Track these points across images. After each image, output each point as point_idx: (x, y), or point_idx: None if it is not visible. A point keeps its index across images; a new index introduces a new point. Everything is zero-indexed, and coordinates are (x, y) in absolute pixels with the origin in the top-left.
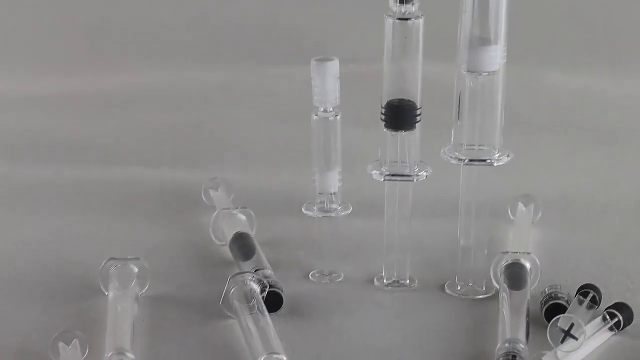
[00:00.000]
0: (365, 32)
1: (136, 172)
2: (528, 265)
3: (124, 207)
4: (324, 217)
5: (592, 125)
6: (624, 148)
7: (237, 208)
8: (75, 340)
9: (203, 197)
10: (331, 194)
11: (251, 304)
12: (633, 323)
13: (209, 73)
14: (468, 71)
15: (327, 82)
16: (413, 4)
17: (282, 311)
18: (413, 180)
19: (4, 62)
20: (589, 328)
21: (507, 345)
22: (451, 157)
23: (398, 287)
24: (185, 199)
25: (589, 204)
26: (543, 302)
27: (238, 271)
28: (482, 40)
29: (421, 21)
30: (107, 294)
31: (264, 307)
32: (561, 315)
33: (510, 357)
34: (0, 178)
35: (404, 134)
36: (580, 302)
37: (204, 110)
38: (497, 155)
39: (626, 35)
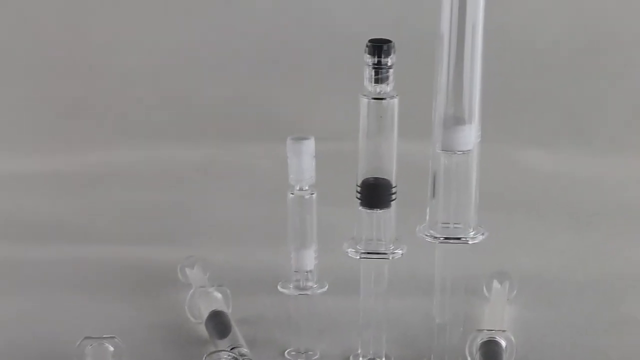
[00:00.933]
0: (341, 110)
1: (111, 251)
2: (503, 343)
3: (99, 285)
4: (300, 294)
5: (566, 204)
6: (596, 227)
7: (213, 286)
8: None
9: (179, 275)
10: (307, 272)
11: None
12: None
13: (185, 151)
14: (442, 150)
15: (303, 160)
16: (388, 84)
17: None
18: (388, 258)
19: None
20: None
21: None
22: (426, 235)
23: None
24: (161, 277)
25: (563, 282)
26: None
27: (214, 349)
28: (456, 120)
29: (396, 100)
30: None
31: None
32: None
33: None
34: None
35: (379, 212)
36: None
37: (180, 188)
38: (472, 233)
39: (599, 115)
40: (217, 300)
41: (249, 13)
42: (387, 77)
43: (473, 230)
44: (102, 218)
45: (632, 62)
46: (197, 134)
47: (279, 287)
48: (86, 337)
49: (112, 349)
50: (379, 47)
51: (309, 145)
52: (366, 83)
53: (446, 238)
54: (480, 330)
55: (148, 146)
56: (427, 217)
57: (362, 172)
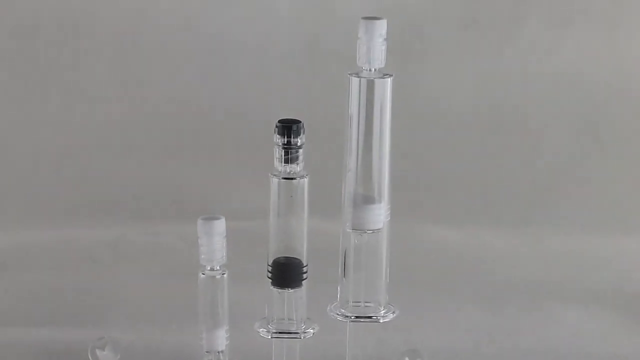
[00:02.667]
0: (251, 189)
1: (19, 333)
2: None
3: None
4: None
5: (475, 280)
6: (505, 303)
7: None
8: None
9: (89, 356)
10: (218, 352)
11: None
12: None
13: (94, 231)
14: (352, 229)
15: (214, 240)
16: (298, 164)
17: None
18: (300, 337)
19: None
20: None
21: None
22: (337, 314)
23: None
24: (71, 358)
25: (472, 356)
26: None
27: None
28: (366, 199)
29: (306, 180)
30: None
31: None
32: None
33: None
34: None
35: (290, 291)
36: None
37: (90, 268)
38: (383, 312)
39: (505, 192)
40: None
41: (161, 93)
42: (297, 157)
43: (384, 308)
44: (9, 300)
45: (538, 140)
46: (107, 214)
47: None
48: None
49: None
50: (288, 128)
51: (220, 225)
52: (276, 163)
53: (357, 317)
54: None
55: (56, 226)
56: (338, 296)
57: (273, 251)
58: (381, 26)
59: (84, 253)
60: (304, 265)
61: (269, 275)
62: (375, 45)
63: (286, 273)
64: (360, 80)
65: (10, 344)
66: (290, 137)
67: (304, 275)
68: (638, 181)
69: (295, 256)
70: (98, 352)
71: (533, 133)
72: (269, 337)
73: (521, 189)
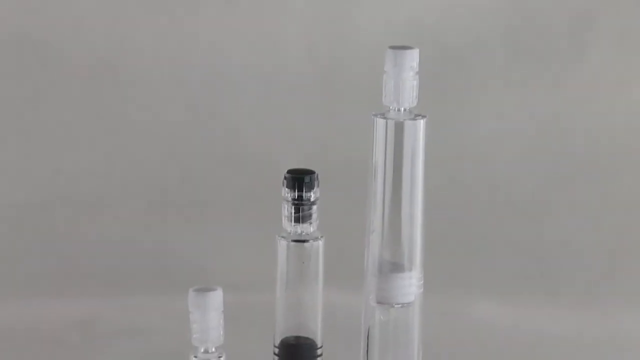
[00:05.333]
0: (255, 254)
1: None
2: None
3: None
4: None
5: None
6: None
7: None
8: None
9: None
10: None
11: None
12: None
13: (61, 307)
14: (378, 302)
15: (209, 316)
16: (311, 223)
17: None
18: None
19: None
20: None
21: None
22: None
23: None
24: None
25: None
26: None
27: None
28: (394, 266)
29: (320, 243)
30: None
31: None
32: None
33: None
34: None
35: None
36: None
37: (55, 351)
38: None
39: (566, 261)
40: None
41: (145, 135)
42: (310, 215)
43: None
44: None
45: (606, 194)
46: (76, 287)
47: None
48: None
49: None
50: (299, 180)
51: (216, 297)
52: (285, 222)
53: None
54: None
55: (15, 302)
56: None
57: (281, 330)
58: (412, 57)
59: (48, 332)
60: (318, 347)
61: (276, 359)
62: (405, 80)
63: (296, 356)
64: (387, 122)
65: None
66: (302, 191)
67: (318, 359)
68: None
69: (307, 336)
70: None
71: (600, 186)
72: None
73: (585, 256)
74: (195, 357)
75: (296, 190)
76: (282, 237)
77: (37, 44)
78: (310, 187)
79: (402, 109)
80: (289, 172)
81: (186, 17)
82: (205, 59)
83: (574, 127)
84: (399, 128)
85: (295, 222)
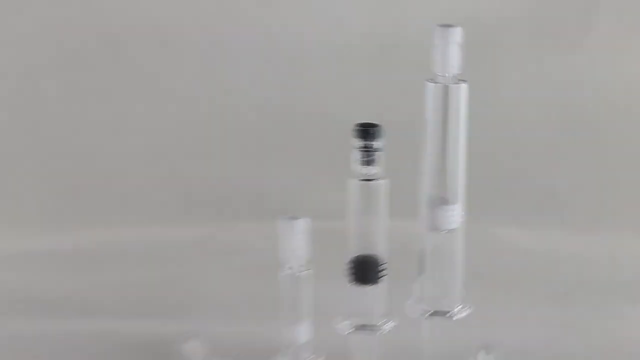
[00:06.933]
0: (331, 190)
1: (115, 325)
2: None
3: (103, 358)
4: None
5: (546, 279)
6: (575, 302)
7: (213, 358)
8: None
9: (178, 348)
10: (300, 346)
11: None
12: None
13: (184, 229)
14: (430, 229)
15: (296, 238)
16: (376, 165)
17: None
18: (378, 332)
19: None
20: None
21: None
22: (414, 310)
23: None
24: (161, 350)
25: (545, 354)
26: None
27: None
28: (442, 200)
29: (383, 182)
30: None
31: None
32: None
33: None
34: None
35: (369, 287)
36: None
37: (179, 265)
38: (458, 308)
39: (576, 195)
40: None
41: (246, 97)
42: (375, 160)
43: (458, 305)
44: (104, 294)
45: (610, 142)
46: (195, 214)
47: None
48: None
49: None
50: (366, 131)
51: (302, 224)
52: (355, 165)
53: (433, 313)
54: None
55: (149, 225)
56: (415, 293)
57: (353, 250)
58: (456, 33)
59: (174, 250)
60: (383, 262)
61: (349, 272)
62: (450, 52)
63: (365, 270)
64: (435, 86)
65: (104, 335)
66: (369, 140)
67: (383, 273)
68: None
69: (374, 254)
70: (186, 344)
71: (606, 136)
72: (348, 332)
73: (593, 192)
74: (286, 270)
75: (364, 139)
76: (353, 177)
77: (161, 21)
78: (375, 137)
79: (448, 75)
80: (358, 124)
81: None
82: (292, 41)
83: (585, 89)
84: (445, 90)
85: (363, 165)
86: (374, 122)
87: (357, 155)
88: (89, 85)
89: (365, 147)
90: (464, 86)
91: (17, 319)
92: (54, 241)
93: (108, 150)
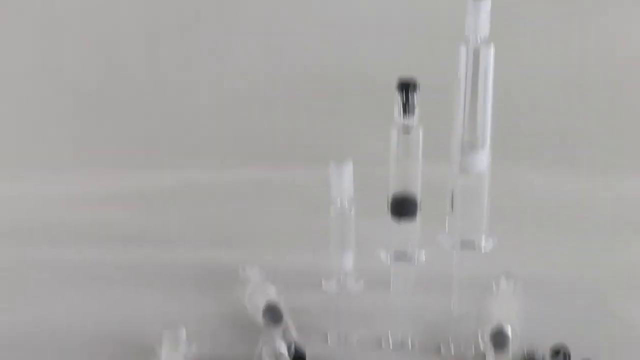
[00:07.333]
0: (376, 138)
1: (186, 255)
2: (510, 331)
3: (175, 283)
4: (340, 290)
5: (562, 218)
6: (589, 238)
7: (268, 282)
8: None
9: (240, 273)
10: (346, 271)
11: None
12: None
13: (246, 172)
14: (460, 171)
15: (343, 180)
16: (414, 116)
17: None
18: (414, 262)
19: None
20: None
21: None
22: (446, 242)
23: (401, 348)
24: (225, 275)
25: (560, 282)
26: None
27: (269, 335)
28: (472, 146)
29: (420, 130)
30: (160, 355)
31: None
32: None
33: None
34: (76, 262)
35: (406, 222)
36: None
37: (243, 203)
38: (484, 241)
39: (589, 144)
40: (271, 294)
41: (299, 62)
42: (414, 111)
43: (485, 238)
44: (177, 229)
45: (619, 98)
46: (257, 159)
47: (322, 285)
48: (164, 326)
49: (184, 334)
50: (406, 85)
51: (349, 167)
52: (396, 115)
53: (463, 245)
54: (490, 321)
55: (217, 168)
56: (447, 227)
57: (393, 190)
58: (486, 4)
59: (237, 190)
60: (418, 201)
61: (389, 209)
62: (481, 20)
63: (403, 207)
64: (468, 48)
65: (176, 263)
66: (408, 94)
67: (418, 209)
68: None
69: (411, 193)
70: (247, 270)
71: (615, 92)
72: (388, 261)
73: (604, 141)
74: (334, 207)
75: (404, 93)
76: (394, 126)
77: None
78: (414, 91)
79: (479, 38)
80: (400, 80)
81: None
82: (340, 10)
83: (598, 52)
84: (476, 51)
85: (403, 116)
86: (412, 78)
87: (398, 107)
88: (170, 51)
89: (405, 99)
90: (491, 48)
91: (104, 249)
92: (135, 181)
93: (185, 105)
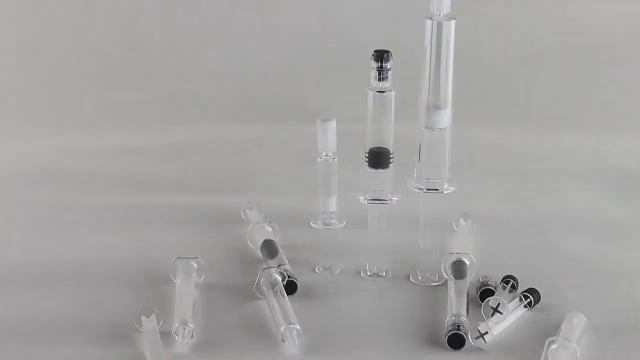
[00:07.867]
0: (354, 100)
1: (196, 199)
2: (467, 262)
3: (187, 223)
4: (326, 228)
5: (511, 165)
6: (534, 182)
7: (266, 222)
8: (153, 314)
9: (242, 214)
10: (331, 212)
11: (275, 289)
12: (540, 302)
13: (246, 128)
14: (426, 127)
15: (328, 135)
16: (387, 81)
17: (296, 294)
18: (388, 203)
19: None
20: (510, 306)
21: (453, 317)
22: (414, 187)
23: (377, 277)
24: (229, 216)
25: (509, 219)
26: (478, 287)
27: (266, 266)
28: (436, 106)
29: (393, 93)
30: (175, 282)
31: (284, 292)
32: (490, 297)
33: (456, 326)
34: (105, 205)
35: (381, 171)
36: (504, 288)
37: (243, 155)
38: (446, 186)
39: (533, 103)
40: (268, 232)
41: (289, 31)
42: (387, 77)
43: (446, 184)
44: (189, 177)
45: (559, 68)
46: (255, 116)
47: (311, 223)
48: (178, 257)
49: (195, 265)
50: (380, 55)
51: (332, 124)
52: (372, 80)
53: (428, 189)
54: (451, 253)
55: (221, 124)
56: (415, 175)
57: (369, 143)
58: None
59: (239, 144)
60: (391, 153)
61: (366, 159)
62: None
63: (378, 158)
64: (432, 22)
65: (189, 206)
66: (382, 62)
67: (391, 160)
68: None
69: (385, 146)
70: (248, 211)
71: (560, 59)
72: (366, 203)
73: (551, 102)
74: (320, 158)
75: (379, 62)
76: (370, 89)
77: None
78: (387, 60)
79: (442, 14)
80: (375, 51)
81: None
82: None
83: (543, 27)
84: (440, 26)
85: (378, 80)
86: (385, 49)
87: (373, 74)
88: (182, 25)
89: (379, 67)
90: (453, 22)
91: (123, 194)
92: (153, 136)
93: (196, 72)
